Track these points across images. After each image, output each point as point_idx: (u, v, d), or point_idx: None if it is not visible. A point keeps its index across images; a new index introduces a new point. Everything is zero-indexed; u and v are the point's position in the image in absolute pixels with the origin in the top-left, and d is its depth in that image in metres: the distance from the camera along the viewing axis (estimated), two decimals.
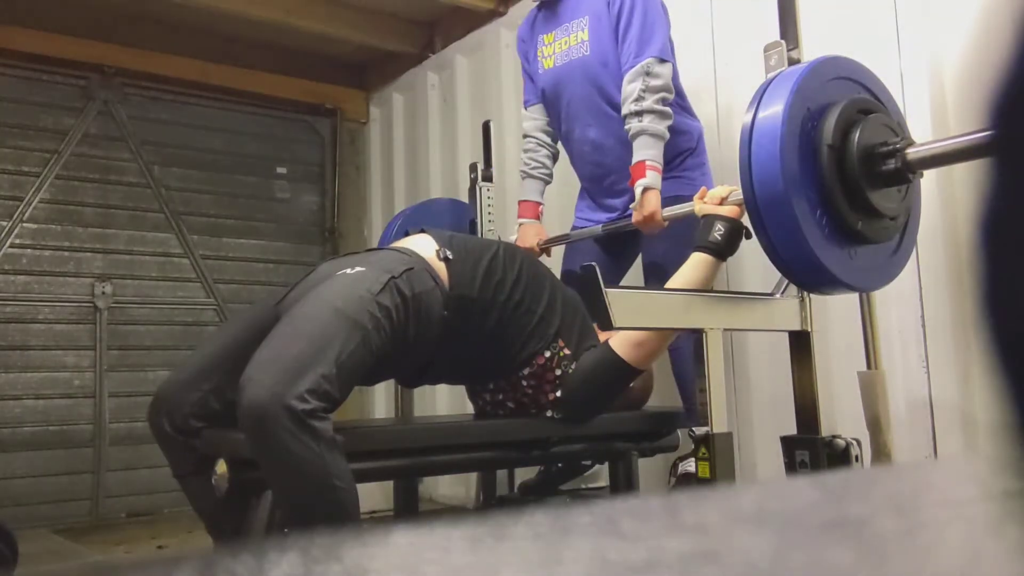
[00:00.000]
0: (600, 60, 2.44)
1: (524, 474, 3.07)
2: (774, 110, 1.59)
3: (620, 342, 1.96)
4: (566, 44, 2.53)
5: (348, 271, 1.80)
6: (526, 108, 2.74)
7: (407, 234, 2.17)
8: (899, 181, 1.66)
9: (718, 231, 1.88)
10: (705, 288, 1.90)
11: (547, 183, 2.72)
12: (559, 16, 2.57)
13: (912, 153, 1.62)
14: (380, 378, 2.10)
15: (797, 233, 1.56)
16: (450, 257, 1.93)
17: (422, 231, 2.08)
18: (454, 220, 3.00)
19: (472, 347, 1.97)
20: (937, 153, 1.64)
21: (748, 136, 1.61)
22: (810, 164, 1.60)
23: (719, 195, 1.94)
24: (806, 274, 1.68)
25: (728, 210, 1.90)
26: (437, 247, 1.95)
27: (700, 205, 1.96)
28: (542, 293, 2.03)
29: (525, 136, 2.73)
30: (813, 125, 1.62)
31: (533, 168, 2.69)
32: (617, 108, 2.40)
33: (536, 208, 2.67)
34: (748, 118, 1.63)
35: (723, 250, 1.90)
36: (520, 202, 2.73)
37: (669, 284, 1.93)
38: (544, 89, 2.62)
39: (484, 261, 1.98)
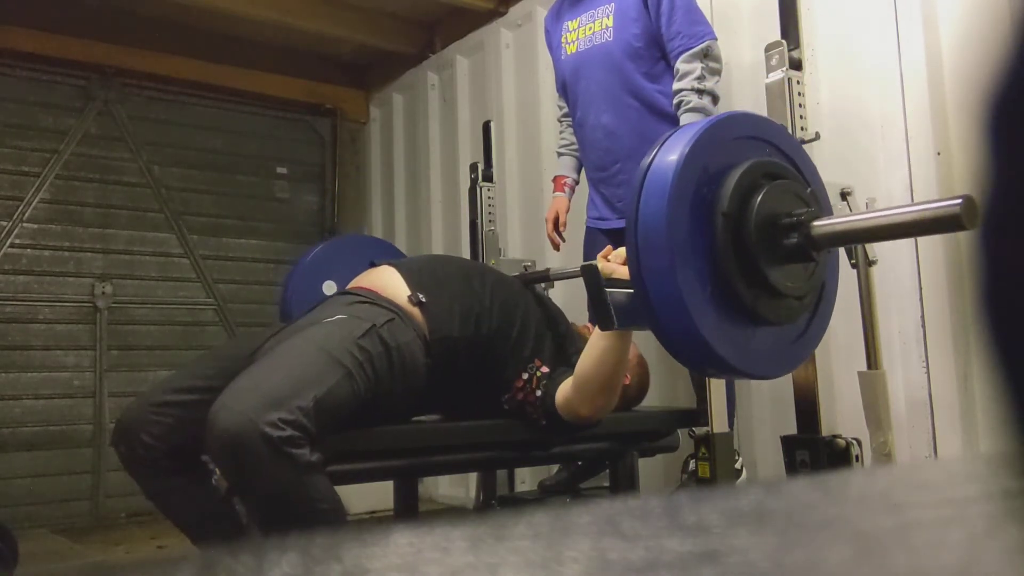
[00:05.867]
0: (623, 47, 2.45)
1: (524, 474, 3.07)
2: (665, 170, 1.37)
3: (565, 400, 1.86)
4: (590, 30, 2.55)
5: (328, 319, 1.78)
6: (558, 93, 2.81)
7: (373, 264, 2.06)
8: (802, 258, 1.45)
9: None
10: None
11: (580, 160, 2.76)
12: (586, 2, 2.58)
13: (817, 227, 1.42)
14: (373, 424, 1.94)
15: (681, 308, 1.35)
16: (423, 300, 1.88)
17: (387, 263, 2.01)
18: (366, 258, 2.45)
19: (458, 382, 1.94)
20: (844, 230, 1.45)
21: (637, 198, 1.39)
22: (702, 232, 1.39)
23: (624, 255, 1.71)
24: (692, 356, 1.46)
25: None
26: (409, 292, 1.89)
27: (603, 264, 1.79)
28: (515, 314, 1.99)
29: (559, 120, 2.83)
30: (710, 189, 1.40)
31: (563, 146, 2.80)
32: (635, 97, 2.43)
33: (561, 181, 2.76)
34: (640, 172, 1.41)
35: None
36: (553, 178, 2.84)
37: (578, 365, 1.84)
38: (564, 75, 2.66)
39: (458, 295, 1.94)
